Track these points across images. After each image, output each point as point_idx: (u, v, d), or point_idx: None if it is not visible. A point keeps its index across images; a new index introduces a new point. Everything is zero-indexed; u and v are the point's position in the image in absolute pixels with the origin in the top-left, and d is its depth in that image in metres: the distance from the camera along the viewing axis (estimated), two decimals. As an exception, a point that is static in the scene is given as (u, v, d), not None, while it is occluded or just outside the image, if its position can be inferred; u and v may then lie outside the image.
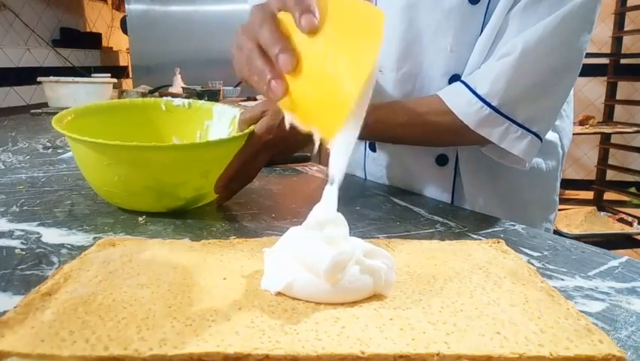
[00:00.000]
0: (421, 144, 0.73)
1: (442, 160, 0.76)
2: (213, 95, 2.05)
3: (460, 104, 0.64)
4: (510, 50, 0.62)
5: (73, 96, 1.76)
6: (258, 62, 0.39)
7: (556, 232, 0.86)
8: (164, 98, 0.78)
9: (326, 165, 0.95)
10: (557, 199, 0.82)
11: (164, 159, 0.57)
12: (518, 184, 0.76)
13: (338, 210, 0.38)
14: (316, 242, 0.37)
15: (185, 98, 1.98)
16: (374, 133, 0.69)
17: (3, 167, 0.88)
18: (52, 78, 1.80)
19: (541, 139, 0.66)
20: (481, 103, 0.63)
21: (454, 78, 0.70)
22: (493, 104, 0.63)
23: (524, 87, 0.63)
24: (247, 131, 0.63)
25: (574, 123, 0.87)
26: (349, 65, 0.35)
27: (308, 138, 0.70)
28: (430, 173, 0.76)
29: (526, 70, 0.62)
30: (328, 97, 0.35)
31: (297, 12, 0.37)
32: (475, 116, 0.63)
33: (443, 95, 0.66)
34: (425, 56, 0.71)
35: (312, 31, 0.36)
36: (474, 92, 0.63)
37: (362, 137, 0.74)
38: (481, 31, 0.66)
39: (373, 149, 0.83)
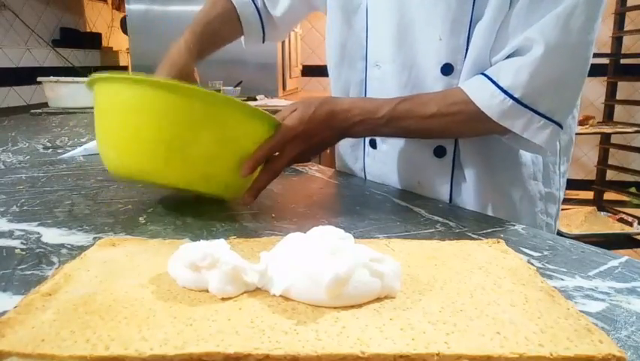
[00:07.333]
0: (448, 135, 0.74)
1: (440, 152, 0.76)
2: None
3: (483, 96, 0.65)
4: (527, 43, 0.62)
5: (73, 96, 1.76)
6: None
7: (557, 232, 0.86)
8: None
9: (326, 165, 0.95)
10: (559, 195, 0.82)
11: (184, 102, 0.56)
12: (516, 175, 0.76)
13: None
14: (320, 251, 0.37)
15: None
16: (404, 125, 0.69)
17: (3, 167, 0.88)
18: (52, 78, 1.80)
19: (561, 127, 0.66)
20: (503, 95, 0.64)
21: (446, 67, 0.70)
22: (516, 95, 0.63)
23: (547, 79, 0.63)
24: (274, 117, 0.62)
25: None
26: None
27: (335, 139, 0.70)
28: (429, 165, 0.77)
29: (549, 63, 0.62)
30: None
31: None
32: (497, 107, 0.64)
33: (466, 88, 0.67)
34: (418, 46, 0.72)
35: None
36: (496, 85, 0.64)
37: (390, 132, 0.74)
38: (471, 19, 0.67)
39: (373, 145, 0.83)
